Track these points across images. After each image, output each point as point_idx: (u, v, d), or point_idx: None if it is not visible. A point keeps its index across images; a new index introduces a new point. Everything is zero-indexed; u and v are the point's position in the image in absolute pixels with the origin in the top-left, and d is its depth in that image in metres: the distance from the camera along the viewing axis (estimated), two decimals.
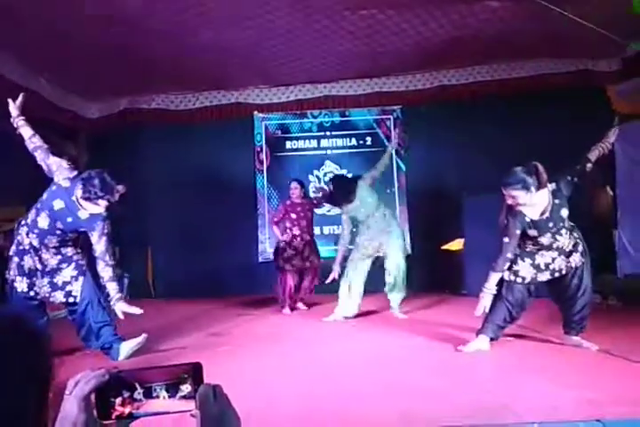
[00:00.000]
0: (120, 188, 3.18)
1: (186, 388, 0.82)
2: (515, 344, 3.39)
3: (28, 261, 3.25)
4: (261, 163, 7.01)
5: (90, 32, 4.74)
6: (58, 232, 3.19)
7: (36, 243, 3.22)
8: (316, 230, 6.75)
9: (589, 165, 3.18)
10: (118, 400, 0.80)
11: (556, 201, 3.05)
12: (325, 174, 6.96)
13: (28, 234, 3.23)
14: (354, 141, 6.98)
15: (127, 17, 4.56)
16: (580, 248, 3.21)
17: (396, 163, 6.91)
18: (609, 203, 6.10)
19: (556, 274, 3.21)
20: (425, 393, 2.40)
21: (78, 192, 3.08)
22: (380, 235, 4.63)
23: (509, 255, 3.11)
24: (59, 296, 3.30)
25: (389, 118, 6.98)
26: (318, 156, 7.00)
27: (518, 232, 3.06)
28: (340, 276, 4.70)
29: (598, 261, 5.71)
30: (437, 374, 2.76)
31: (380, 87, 6.74)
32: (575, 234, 3.22)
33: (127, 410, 0.80)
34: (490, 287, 3.13)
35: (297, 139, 7.03)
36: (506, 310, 3.23)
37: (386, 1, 4.61)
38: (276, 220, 5.36)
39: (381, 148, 6.88)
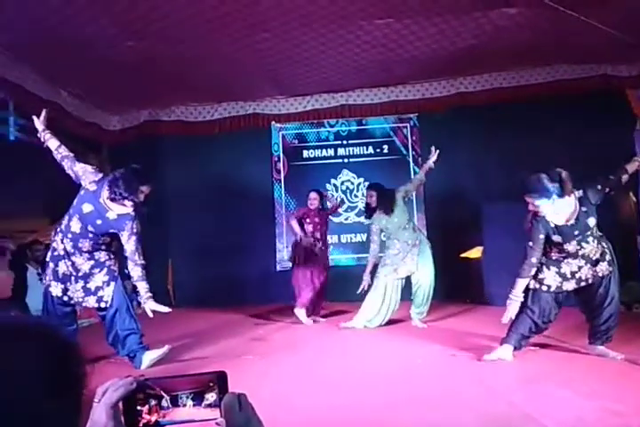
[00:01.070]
0: (144, 188, 3.22)
1: (211, 396, 0.83)
2: (539, 354, 3.34)
3: (62, 267, 3.33)
4: (279, 172, 7.05)
5: (110, 46, 4.85)
6: (90, 235, 3.26)
7: (69, 247, 3.30)
8: (334, 239, 6.79)
9: (625, 177, 3.12)
10: (145, 408, 0.81)
11: (583, 208, 3.00)
12: (342, 183, 6.97)
13: (62, 240, 3.32)
14: (371, 150, 6.99)
15: (147, 30, 4.66)
16: (608, 257, 3.15)
17: (414, 170, 6.89)
18: (632, 209, 6.00)
19: (582, 283, 3.14)
20: (448, 403, 2.38)
21: (105, 193, 3.18)
22: (408, 248, 4.62)
23: (534, 260, 3.06)
24: (91, 301, 3.36)
25: (406, 126, 6.98)
26: (335, 164, 7.02)
27: (542, 237, 3.03)
28: (370, 286, 4.68)
29: (622, 268, 5.63)
30: (460, 384, 2.73)
31: (397, 95, 6.74)
32: (604, 243, 3.17)
33: (154, 418, 0.81)
34: (517, 294, 3.09)
35: (314, 148, 7.07)
36: (530, 320, 3.17)
37: (402, 10, 4.63)
38: (295, 215, 5.31)
39: (398, 156, 6.90)
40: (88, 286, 3.35)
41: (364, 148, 7.01)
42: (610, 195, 3.10)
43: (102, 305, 3.35)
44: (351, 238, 6.84)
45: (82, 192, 3.28)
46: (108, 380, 0.81)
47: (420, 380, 2.86)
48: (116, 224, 3.23)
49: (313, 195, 5.28)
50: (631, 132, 5.93)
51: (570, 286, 3.16)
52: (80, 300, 3.36)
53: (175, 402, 0.83)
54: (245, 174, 6.83)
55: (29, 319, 0.73)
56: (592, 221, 3.03)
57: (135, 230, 3.23)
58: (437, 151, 4.81)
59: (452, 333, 4.15)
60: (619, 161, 3.26)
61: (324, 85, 6.59)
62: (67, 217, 3.31)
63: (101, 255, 3.38)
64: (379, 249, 4.77)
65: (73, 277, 3.34)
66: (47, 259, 3.42)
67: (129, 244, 3.22)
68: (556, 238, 3.04)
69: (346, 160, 7.02)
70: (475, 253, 6.21)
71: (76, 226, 3.25)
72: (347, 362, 3.36)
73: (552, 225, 3.02)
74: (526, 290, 3.15)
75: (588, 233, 3.05)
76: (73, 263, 3.32)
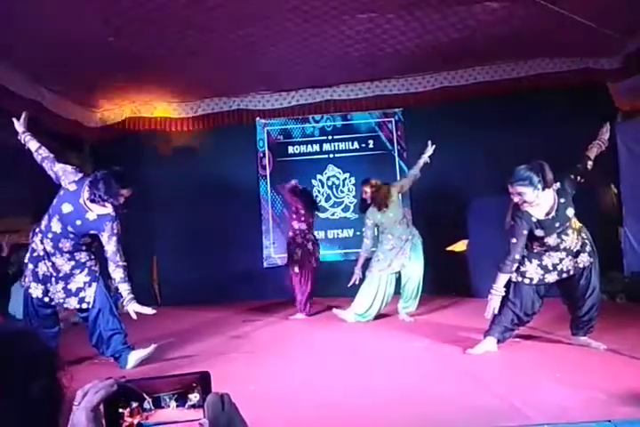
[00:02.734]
0: (125, 191, 3.19)
1: (194, 397, 0.83)
2: (524, 345, 3.37)
3: (42, 268, 3.28)
4: (264, 168, 7.02)
5: (91, 42, 4.78)
6: (71, 236, 3.22)
7: (49, 248, 3.25)
8: (321, 234, 6.78)
9: (590, 163, 3.18)
10: (127, 411, 0.80)
11: (562, 200, 3.03)
12: (328, 178, 6.97)
13: (42, 240, 3.27)
14: (356, 145, 6.98)
15: (129, 26, 4.59)
16: (588, 248, 3.18)
17: (399, 165, 6.91)
18: (614, 201, 6.09)
19: (564, 275, 3.18)
20: (433, 396, 2.40)
21: (85, 194, 3.14)
22: (401, 243, 4.64)
23: (517, 256, 3.09)
24: (72, 302, 3.31)
25: (391, 121, 6.99)
26: (321, 160, 7.01)
27: (525, 232, 3.05)
28: (361, 280, 4.70)
29: (604, 259, 5.71)
30: (445, 377, 2.75)
31: (381, 90, 6.74)
32: (583, 234, 3.20)
33: (136, 420, 0.80)
34: (498, 289, 3.12)
35: (299, 144, 7.05)
36: (512, 312, 3.19)
37: (385, 4, 4.63)
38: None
39: (384, 151, 6.91)
40: (69, 286, 3.29)
41: (350, 143, 7.01)
42: (581, 183, 3.12)
43: (84, 306, 3.31)
44: (338, 234, 6.84)
45: (61, 192, 3.22)
46: (89, 382, 0.80)
47: (405, 373, 2.87)
48: (95, 225, 3.19)
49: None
50: (613, 126, 6.00)
51: (552, 277, 3.19)
52: (61, 301, 3.31)
53: (158, 404, 0.82)
54: (231, 171, 6.79)
55: (6, 327, 0.71)
56: (570, 212, 3.06)
57: (115, 231, 3.19)
58: (433, 146, 4.80)
59: (438, 326, 4.18)
60: (601, 155, 3.30)
61: (309, 81, 6.57)
62: (46, 217, 3.26)
63: (82, 256, 3.33)
64: (371, 244, 4.78)
65: (53, 278, 3.29)
66: (26, 260, 3.35)
67: (109, 244, 3.17)
68: (539, 233, 3.07)
69: (331, 155, 7.01)
70: (460, 246, 6.26)
71: (56, 226, 3.20)
72: (332, 358, 3.36)
73: (534, 220, 3.04)
74: (508, 283, 3.17)
75: (568, 224, 3.08)
76: (53, 264, 3.27)
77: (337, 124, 7.03)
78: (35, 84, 5.50)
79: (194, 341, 4.01)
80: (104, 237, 3.19)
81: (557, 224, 3.05)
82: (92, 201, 3.13)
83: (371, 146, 6.96)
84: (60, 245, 3.24)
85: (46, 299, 3.29)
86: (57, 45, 4.77)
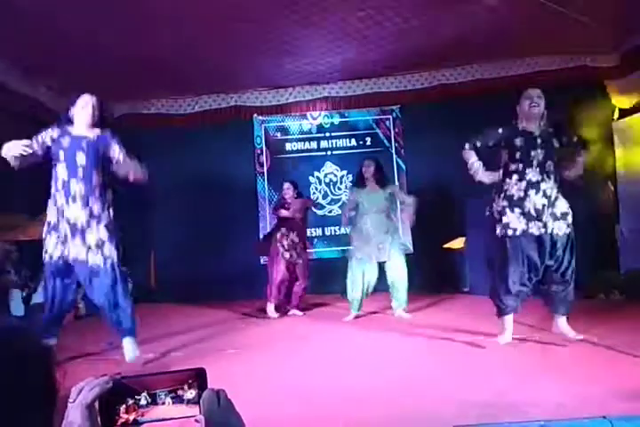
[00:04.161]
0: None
1: (190, 393, 0.83)
2: (520, 342, 3.38)
3: (60, 231, 3.15)
4: (262, 165, 7.01)
5: (88, 38, 4.76)
6: (80, 172, 3.12)
7: (62, 202, 3.13)
8: (318, 231, 6.78)
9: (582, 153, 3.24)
10: (122, 407, 0.80)
11: (550, 130, 3.20)
12: (326, 175, 6.97)
13: (55, 203, 3.17)
14: (353, 142, 6.98)
15: (124, 22, 4.58)
16: (570, 219, 3.14)
17: (397, 162, 6.91)
18: (610, 198, 6.10)
19: (546, 229, 3.09)
20: (430, 392, 2.41)
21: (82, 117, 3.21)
22: (380, 234, 4.63)
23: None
24: (95, 259, 3.15)
25: (388, 118, 6.98)
26: (318, 157, 7.00)
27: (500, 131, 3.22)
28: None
29: (601, 256, 5.74)
30: (442, 373, 2.76)
31: (379, 87, 6.74)
32: (566, 203, 3.18)
33: (132, 417, 0.80)
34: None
35: (297, 141, 7.04)
36: (512, 271, 3.12)
37: (383, 2, 4.62)
38: (274, 206, 5.44)
39: (381, 148, 6.90)
40: (87, 240, 3.13)
41: (347, 140, 7.00)
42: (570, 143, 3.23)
43: (108, 263, 3.14)
44: (335, 231, 6.84)
45: (52, 145, 3.19)
46: (83, 379, 0.80)
47: (402, 369, 2.88)
48: (100, 141, 3.22)
49: (286, 185, 5.29)
50: (610, 123, 6.01)
51: (535, 229, 3.10)
52: (83, 258, 3.12)
53: (154, 400, 0.82)
54: (228, 168, 6.77)
55: (4, 325, 0.71)
56: (556, 145, 3.16)
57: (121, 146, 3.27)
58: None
59: (435, 322, 4.18)
60: (598, 152, 3.32)
61: (306, 78, 6.56)
62: (53, 182, 3.18)
63: (96, 205, 3.17)
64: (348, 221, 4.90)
65: (70, 235, 3.13)
66: (44, 235, 3.21)
67: (121, 151, 3.27)
68: (519, 142, 3.14)
69: (329, 153, 7.01)
70: (457, 243, 6.27)
71: (62, 171, 3.12)
72: (329, 354, 3.37)
73: (520, 128, 3.19)
74: (495, 243, 3.18)
75: (550, 162, 3.11)
76: (68, 220, 3.13)
77: (334, 122, 7.02)
78: (32, 81, 5.48)
79: (190, 337, 4.01)
80: (115, 150, 3.24)
81: (540, 145, 3.12)
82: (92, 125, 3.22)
83: (368, 143, 6.96)
84: (72, 191, 3.12)
85: (71, 257, 3.13)
86: (53, 42, 4.75)
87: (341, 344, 3.70)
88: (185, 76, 6.12)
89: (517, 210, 3.13)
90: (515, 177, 3.16)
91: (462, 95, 6.41)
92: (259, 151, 7.02)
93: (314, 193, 6.94)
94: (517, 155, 3.16)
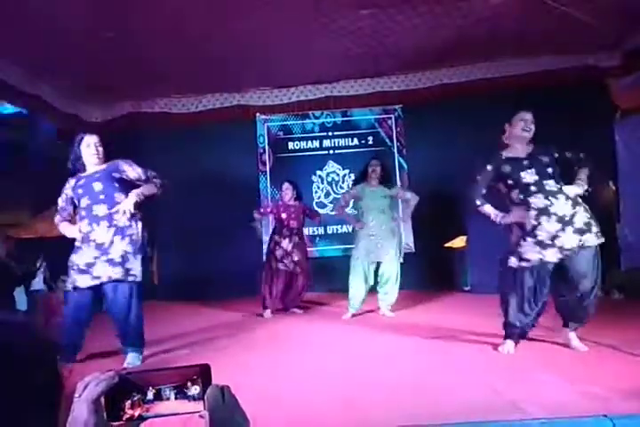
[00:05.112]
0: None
1: (194, 389, 0.84)
2: (521, 341, 3.37)
3: (85, 255, 3.17)
4: (264, 164, 7.02)
5: (92, 36, 4.77)
6: (101, 196, 3.23)
7: (86, 227, 3.18)
8: (320, 230, 6.79)
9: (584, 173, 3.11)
10: (128, 403, 0.81)
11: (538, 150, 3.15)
12: (328, 175, 6.97)
13: (80, 229, 3.23)
14: (356, 141, 6.98)
15: (127, 21, 4.59)
16: (595, 229, 2.97)
17: (399, 161, 6.92)
18: (612, 197, 6.10)
19: (566, 253, 2.94)
20: (429, 390, 2.41)
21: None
22: (381, 234, 4.63)
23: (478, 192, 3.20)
24: (117, 273, 3.14)
25: (391, 118, 6.98)
26: (321, 156, 7.01)
27: (489, 168, 3.14)
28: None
29: (602, 255, 5.73)
30: (441, 371, 2.76)
31: (382, 87, 6.74)
32: (587, 213, 3.01)
33: (137, 412, 0.81)
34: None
35: (299, 140, 7.04)
36: (516, 302, 3.05)
37: (386, 0, 4.62)
38: (262, 210, 5.35)
39: (383, 147, 6.90)
40: (110, 256, 3.13)
41: (350, 139, 7.01)
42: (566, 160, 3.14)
43: (130, 279, 3.16)
44: (337, 230, 6.85)
45: (73, 193, 3.32)
46: (89, 374, 0.81)
47: (400, 367, 2.88)
48: (112, 168, 3.31)
49: (285, 185, 5.24)
50: (611, 123, 6.00)
51: (552, 255, 2.95)
52: (109, 275, 3.13)
53: (158, 396, 0.83)
54: (231, 166, 6.78)
55: (8, 320, 0.72)
56: (550, 169, 3.05)
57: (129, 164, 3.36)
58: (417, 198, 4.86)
59: (436, 321, 4.18)
60: (600, 152, 3.30)
61: (309, 77, 6.56)
62: (78, 215, 3.28)
63: (121, 220, 3.20)
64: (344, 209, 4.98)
65: (96, 256, 3.14)
66: (70, 263, 3.21)
67: (135, 170, 3.35)
68: (506, 169, 3.09)
69: (331, 152, 7.01)
70: (459, 242, 6.27)
71: (84, 201, 3.24)
72: (329, 352, 3.37)
73: (504, 157, 3.13)
74: (508, 273, 3.07)
75: (550, 181, 3.01)
76: (94, 241, 3.16)
77: (337, 121, 7.02)
78: (34, 79, 5.49)
79: (192, 335, 4.02)
80: (127, 169, 3.32)
81: (530, 167, 3.04)
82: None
83: (370, 142, 6.96)
84: (94, 212, 3.18)
85: (96, 281, 3.13)
86: (57, 40, 4.76)
87: (340, 343, 3.70)
88: (188, 76, 6.13)
89: (530, 239, 2.99)
90: (522, 208, 3.05)
91: (464, 95, 6.41)
92: (261, 150, 7.03)
93: (316, 192, 6.95)
94: (509, 181, 3.09)
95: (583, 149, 3.23)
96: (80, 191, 3.28)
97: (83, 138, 3.35)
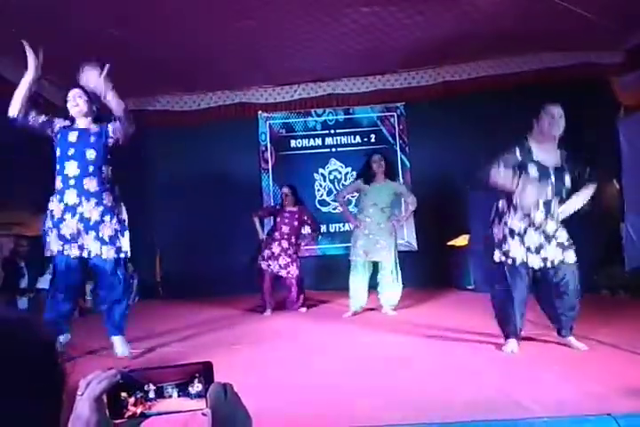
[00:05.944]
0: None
1: (197, 387, 0.83)
2: (522, 340, 3.37)
3: (68, 226, 3.12)
4: (266, 162, 7.02)
5: (92, 33, 4.77)
6: (90, 168, 3.13)
7: (73, 199, 3.11)
8: (322, 228, 6.78)
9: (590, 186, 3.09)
10: (130, 400, 0.81)
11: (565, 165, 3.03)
12: (330, 172, 6.97)
13: (61, 198, 3.14)
14: (358, 139, 6.98)
15: (130, 18, 4.58)
16: (573, 249, 3.04)
17: (401, 159, 6.90)
18: (615, 196, 6.07)
19: (547, 263, 3.01)
20: (433, 389, 2.41)
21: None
22: (379, 231, 4.61)
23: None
24: (109, 253, 3.17)
25: (393, 115, 6.97)
26: (323, 154, 7.01)
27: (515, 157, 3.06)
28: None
29: (606, 254, 5.72)
30: (443, 370, 2.76)
31: (384, 84, 6.73)
32: (566, 233, 3.07)
33: (139, 410, 0.81)
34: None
35: (301, 137, 7.04)
36: (507, 298, 3.05)
37: None
38: (260, 213, 5.35)
39: (386, 145, 6.90)
40: (100, 234, 3.15)
41: (352, 137, 7.00)
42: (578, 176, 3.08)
43: (121, 255, 3.20)
44: (339, 228, 6.85)
45: (58, 136, 3.22)
46: (91, 373, 0.80)
47: (404, 366, 2.88)
48: (102, 130, 3.25)
49: (284, 189, 5.21)
50: (615, 120, 5.98)
51: (535, 261, 3.01)
52: (98, 252, 3.14)
53: (161, 393, 0.82)
54: (233, 164, 6.79)
55: (9, 317, 0.71)
56: (567, 181, 3.02)
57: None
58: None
59: (437, 320, 4.18)
60: (603, 150, 3.28)
61: (311, 74, 6.56)
62: (57, 175, 3.17)
63: (109, 199, 3.20)
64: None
65: (83, 231, 3.12)
66: (45, 228, 3.18)
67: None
68: (532, 172, 2.99)
69: (333, 149, 7.01)
70: (461, 241, 6.26)
71: (71, 167, 3.12)
72: (333, 350, 3.37)
73: (535, 157, 3.01)
74: (495, 271, 3.11)
75: (557, 198, 3.00)
76: (81, 215, 3.12)
77: (339, 119, 7.02)
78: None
79: (196, 333, 4.03)
80: (115, 125, 3.25)
81: (552, 178, 2.99)
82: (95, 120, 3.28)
83: (373, 140, 6.96)
84: (85, 186, 3.13)
85: (84, 253, 3.13)
86: (58, 37, 4.75)
87: (342, 341, 3.70)
88: (190, 74, 6.12)
89: (517, 239, 3.04)
90: (519, 213, 3.04)
91: (467, 92, 6.40)
92: (263, 148, 7.03)
93: (318, 190, 6.95)
94: (526, 183, 2.99)
95: (587, 147, 3.22)
96: (71, 150, 3.15)
97: (70, 90, 3.31)
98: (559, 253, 3.03)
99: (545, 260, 3.03)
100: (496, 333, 3.34)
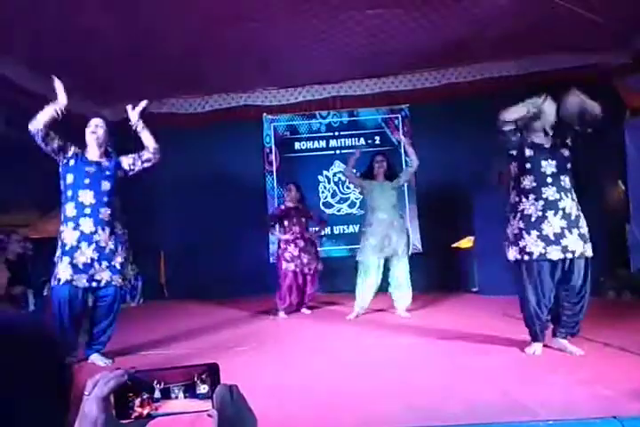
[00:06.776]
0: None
1: (203, 388, 0.83)
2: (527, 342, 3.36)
3: (84, 255, 3.14)
4: (271, 164, 7.03)
5: (98, 37, 4.79)
6: (105, 199, 3.21)
7: (90, 227, 3.16)
8: (326, 230, 6.78)
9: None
10: (137, 401, 0.81)
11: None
12: (335, 175, 6.97)
13: (76, 226, 3.15)
14: (362, 141, 6.98)
15: (134, 20, 4.60)
16: (589, 242, 2.99)
17: (405, 161, 6.89)
18: (621, 197, 6.05)
19: (568, 254, 2.92)
20: (439, 392, 2.40)
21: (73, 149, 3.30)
22: (388, 227, 4.61)
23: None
24: (118, 280, 3.25)
25: (397, 117, 6.97)
26: (327, 156, 7.01)
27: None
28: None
29: (611, 255, 5.70)
30: (450, 373, 2.75)
31: (388, 87, 6.74)
32: (583, 221, 3.01)
33: (146, 411, 0.81)
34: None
35: (306, 140, 7.05)
36: (531, 298, 2.98)
37: (393, 0, 4.61)
38: (271, 222, 5.33)
39: (390, 147, 6.89)
40: (113, 263, 3.23)
41: (356, 139, 7.00)
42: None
43: (127, 285, 3.35)
44: (344, 230, 6.85)
45: (69, 162, 3.27)
46: (100, 373, 0.81)
47: (410, 369, 2.88)
48: (113, 163, 3.37)
49: (289, 187, 5.25)
50: (621, 122, 5.95)
51: (555, 253, 2.91)
52: (108, 279, 3.19)
53: (167, 394, 0.83)
54: (237, 166, 6.80)
55: (17, 318, 0.72)
56: (566, 153, 3.05)
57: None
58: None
59: (442, 322, 4.17)
60: (609, 151, 3.27)
61: (315, 77, 6.57)
62: (68, 201, 3.20)
63: (119, 227, 3.32)
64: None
65: (97, 260, 3.17)
66: (56, 258, 3.18)
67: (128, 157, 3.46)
68: (528, 152, 3.03)
69: (338, 152, 7.01)
70: (466, 242, 6.25)
71: (88, 196, 3.18)
72: (338, 352, 3.37)
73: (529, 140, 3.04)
74: (514, 267, 3.06)
75: (567, 177, 3.00)
76: (97, 244, 3.17)
77: (343, 121, 7.02)
78: (38, 78, 5.51)
79: (200, 335, 4.04)
80: (124, 160, 3.42)
81: (552, 158, 3.01)
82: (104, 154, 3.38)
83: (377, 142, 6.96)
84: (100, 215, 3.18)
85: (93, 284, 3.16)
86: (63, 40, 4.78)
87: (348, 343, 3.70)
88: (195, 76, 6.14)
89: (535, 232, 2.96)
90: (531, 196, 3.00)
91: (471, 94, 6.39)
92: (268, 150, 7.05)
93: (322, 192, 6.95)
94: (527, 165, 3.03)
95: (592, 149, 3.20)
96: (86, 180, 3.20)
97: (90, 120, 3.45)
98: (580, 246, 2.94)
99: (565, 250, 2.93)
100: (500, 335, 3.34)
